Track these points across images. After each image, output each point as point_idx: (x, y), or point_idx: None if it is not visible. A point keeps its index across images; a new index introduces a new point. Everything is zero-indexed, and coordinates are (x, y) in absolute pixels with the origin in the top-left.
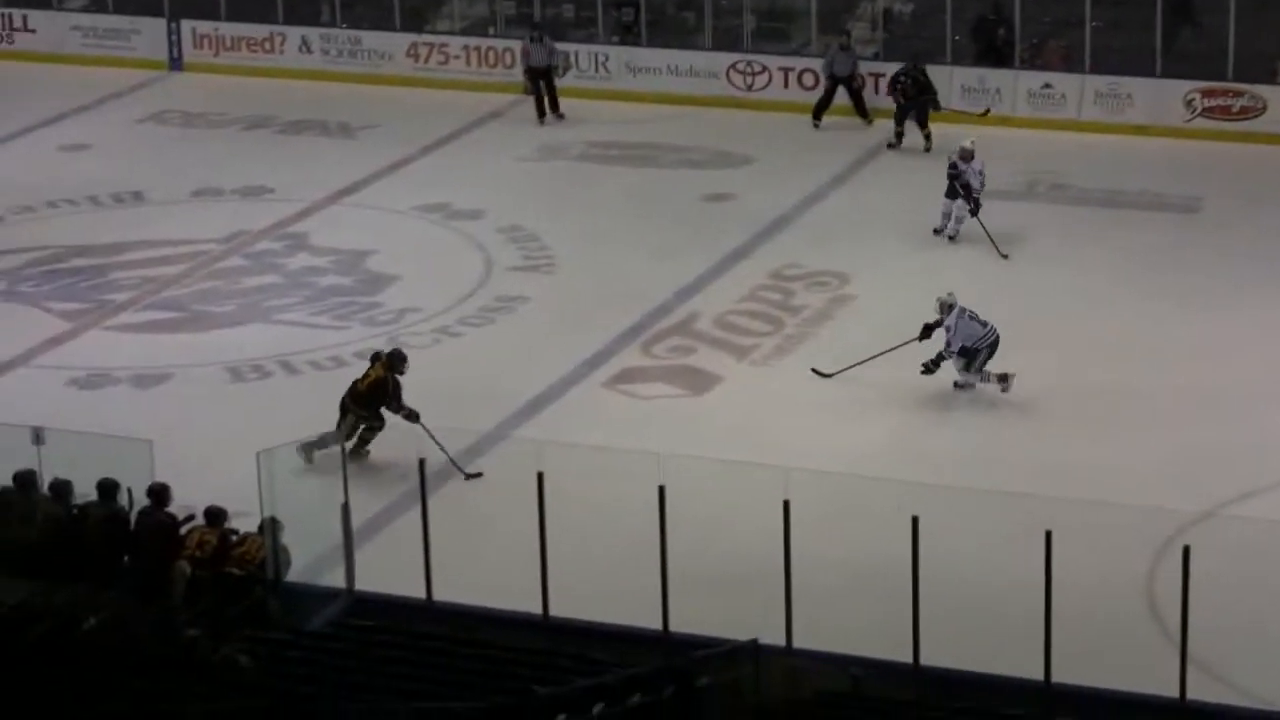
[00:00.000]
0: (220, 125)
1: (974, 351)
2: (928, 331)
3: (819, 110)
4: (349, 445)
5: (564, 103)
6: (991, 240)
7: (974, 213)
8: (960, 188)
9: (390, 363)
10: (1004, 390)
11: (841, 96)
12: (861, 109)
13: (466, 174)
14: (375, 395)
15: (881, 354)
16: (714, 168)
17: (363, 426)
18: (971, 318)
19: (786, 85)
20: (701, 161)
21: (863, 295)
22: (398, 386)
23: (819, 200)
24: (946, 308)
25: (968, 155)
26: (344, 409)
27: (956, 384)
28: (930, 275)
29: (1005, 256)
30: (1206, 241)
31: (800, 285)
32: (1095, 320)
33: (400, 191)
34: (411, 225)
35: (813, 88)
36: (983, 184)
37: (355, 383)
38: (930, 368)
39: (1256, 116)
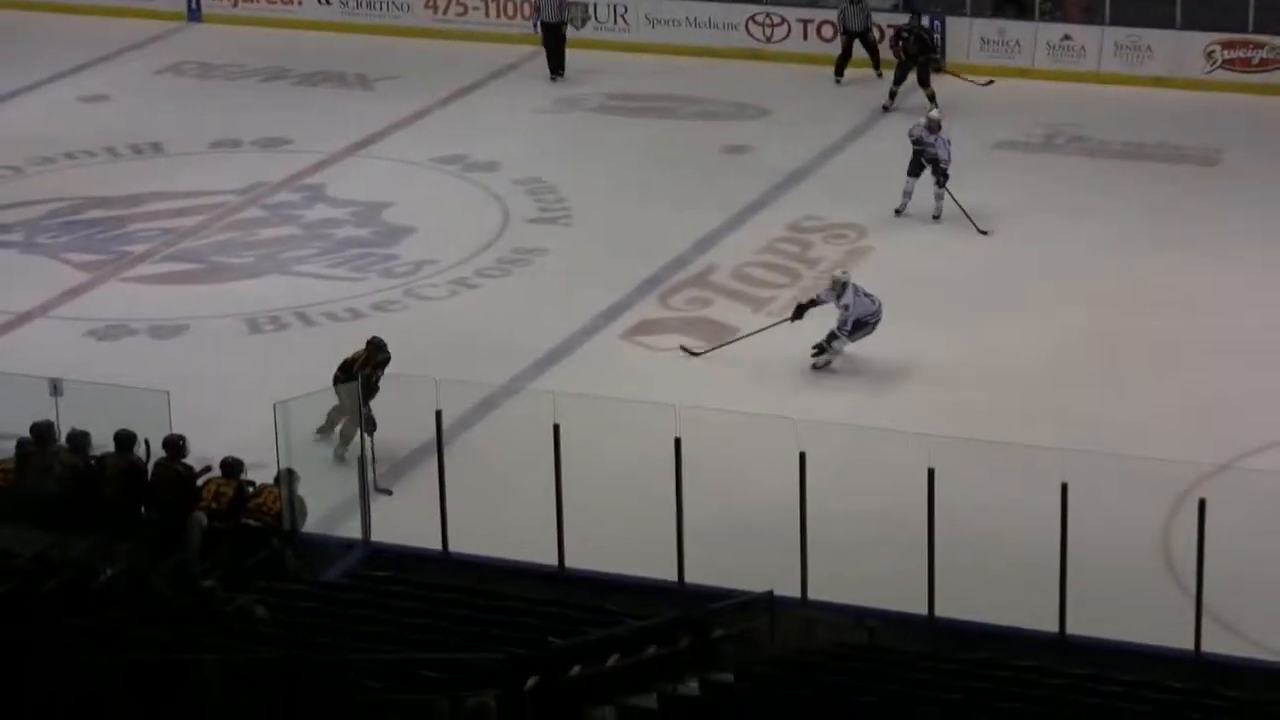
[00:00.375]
0: (238, 77)
1: (864, 325)
2: (800, 312)
3: (840, 66)
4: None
5: (583, 54)
6: (966, 215)
7: (941, 184)
8: (927, 161)
9: (369, 351)
10: (818, 367)
11: (861, 51)
12: (876, 62)
13: (484, 126)
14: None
15: (753, 334)
16: (732, 120)
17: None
18: (865, 294)
19: (805, 37)
20: (719, 113)
21: (880, 247)
22: (370, 378)
23: (837, 153)
24: (842, 286)
25: (935, 126)
26: (337, 382)
27: (817, 365)
28: (947, 227)
29: (985, 232)
30: (1226, 193)
31: (818, 237)
32: (1114, 271)
33: (418, 143)
34: (429, 177)
35: (831, 39)
36: (950, 155)
37: (346, 359)
38: (823, 349)
39: (1277, 69)
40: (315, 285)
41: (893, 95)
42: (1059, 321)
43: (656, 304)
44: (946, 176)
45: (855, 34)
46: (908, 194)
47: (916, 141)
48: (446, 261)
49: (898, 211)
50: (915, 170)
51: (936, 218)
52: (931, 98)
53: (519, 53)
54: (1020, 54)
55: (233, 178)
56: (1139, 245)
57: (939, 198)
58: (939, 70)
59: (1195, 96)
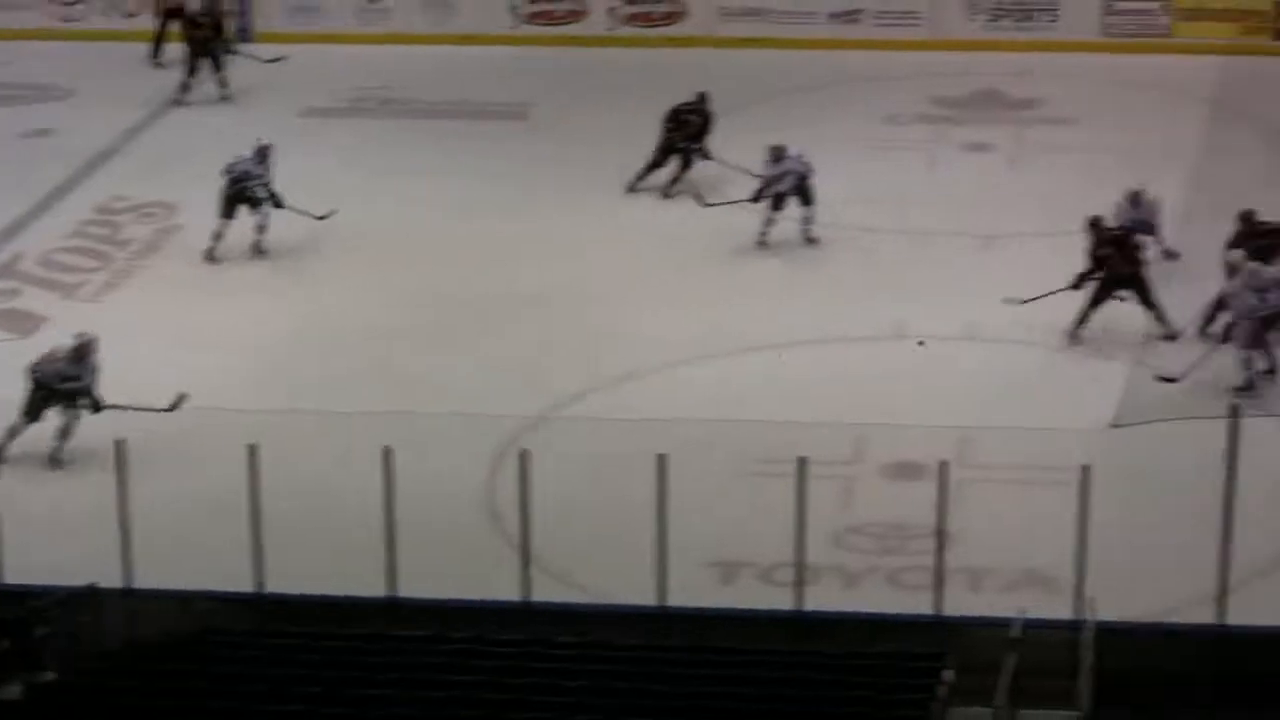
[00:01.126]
0: None
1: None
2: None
3: (155, 46)
4: None
5: None
6: (304, 212)
7: (280, 205)
8: (250, 195)
9: None
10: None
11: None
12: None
13: None
14: None
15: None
16: (34, 103)
17: None
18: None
19: (105, 14)
20: (20, 97)
21: (191, 225)
22: None
23: (144, 130)
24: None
25: (264, 154)
26: None
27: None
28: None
29: (324, 216)
30: (536, 145)
31: (128, 218)
32: (428, 229)
33: None
34: None
35: (134, 15)
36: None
37: None
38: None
39: (580, 20)
40: None
41: (185, 88)
42: (380, 284)
43: None
44: (276, 197)
45: (172, 12)
46: (219, 235)
47: (241, 176)
48: None
49: (210, 257)
50: (230, 211)
51: (262, 251)
52: (222, 84)
53: None
54: (328, 18)
55: None
56: (452, 203)
57: (263, 230)
58: (230, 53)
59: (503, 52)
